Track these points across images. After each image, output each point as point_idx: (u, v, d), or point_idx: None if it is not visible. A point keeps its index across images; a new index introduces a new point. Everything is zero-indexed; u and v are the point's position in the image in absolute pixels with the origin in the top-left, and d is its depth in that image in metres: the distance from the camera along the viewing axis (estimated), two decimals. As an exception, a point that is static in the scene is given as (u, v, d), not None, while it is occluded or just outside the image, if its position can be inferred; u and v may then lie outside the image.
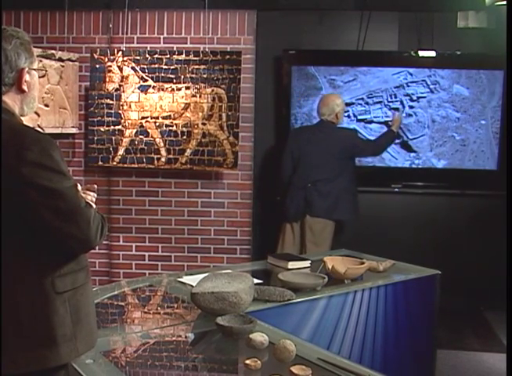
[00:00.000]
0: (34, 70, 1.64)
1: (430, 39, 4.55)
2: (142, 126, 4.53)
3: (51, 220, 1.49)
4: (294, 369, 1.68)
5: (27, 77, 1.60)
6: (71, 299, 1.56)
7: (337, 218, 4.27)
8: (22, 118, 1.63)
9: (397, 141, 4.66)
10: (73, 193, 1.52)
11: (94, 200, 1.69)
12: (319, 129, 4.31)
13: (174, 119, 4.52)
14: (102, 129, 4.53)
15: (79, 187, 1.60)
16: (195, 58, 4.47)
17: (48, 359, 1.52)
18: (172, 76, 4.48)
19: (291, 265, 2.97)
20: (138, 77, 4.49)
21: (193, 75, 4.47)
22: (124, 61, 4.48)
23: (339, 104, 4.27)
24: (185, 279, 2.74)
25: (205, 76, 4.46)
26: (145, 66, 4.48)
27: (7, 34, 1.56)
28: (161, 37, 4.64)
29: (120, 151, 4.55)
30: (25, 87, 1.60)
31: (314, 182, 4.20)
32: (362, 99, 4.66)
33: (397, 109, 4.64)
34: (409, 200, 4.78)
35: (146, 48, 4.58)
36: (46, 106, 4.21)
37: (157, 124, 4.52)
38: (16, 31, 1.59)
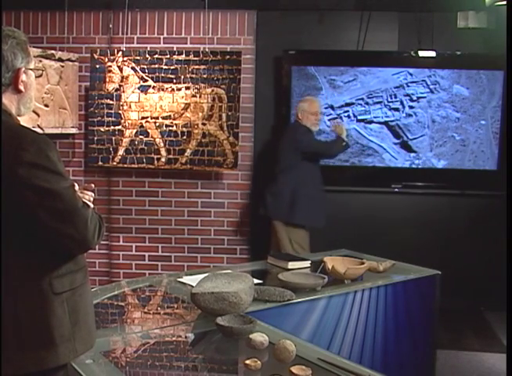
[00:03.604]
0: (31, 69, 1.63)
1: (430, 39, 4.54)
2: (142, 126, 4.53)
3: (48, 221, 1.48)
4: (294, 369, 1.68)
5: (23, 77, 1.59)
6: (69, 300, 1.56)
7: (288, 220, 4.20)
8: (20, 118, 1.62)
9: (397, 141, 4.67)
10: (71, 194, 1.52)
11: (91, 199, 1.68)
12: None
13: (174, 119, 4.52)
14: (102, 129, 4.54)
15: (76, 187, 1.59)
16: (195, 58, 4.47)
17: (46, 359, 1.52)
18: (172, 76, 4.48)
19: (291, 265, 2.97)
20: (139, 77, 4.49)
21: (193, 75, 4.47)
22: (124, 61, 4.49)
23: (302, 105, 4.28)
24: (185, 279, 2.74)
25: (205, 76, 4.46)
26: (145, 67, 4.48)
27: (3, 34, 1.55)
28: (161, 37, 4.65)
29: (120, 151, 4.55)
30: (22, 87, 1.59)
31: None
32: (362, 99, 4.65)
33: (397, 109, 4.64)
34: (409, 200, 4.78)
35: (146, 48, 4.58)
36: (46, 106, 4.21)
37: (157, 124, 4.53)
38: (13, 31, 1.59)
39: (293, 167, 4.20)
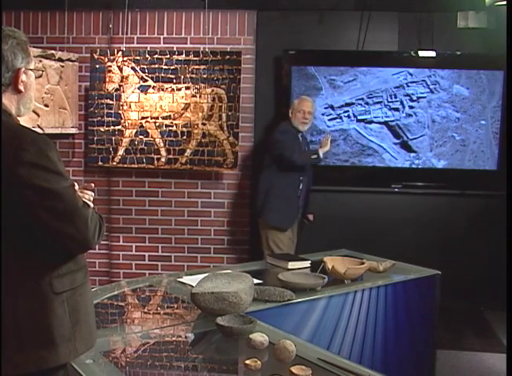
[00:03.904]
0: (31, 70, 1.63)
1: (430, 39, 4.54)
2: (142, 126, 4.53)
3: (48, 220, 1.48)
4: (294, 369, 1.68)
5: (23, 77, 1.59)
6: (70, 299, 1.56)
7: (262, 218, 4.26)
8: (20, 118, 1.62)
9: (397, 141, 4.67)
10: (71, 194, 1.52)
11: (91, 199, 1.68)
12: None
13: (174, 119, 4.52)
14: (102, 129, 4.54)
15: (76, 187, 1.59)
16: (195, 58, 4.47)
17: (46, 359, 1.52)
18: (172, 76, 4.48)
19: (291, 265, 2.97)
20: (138, 77, 4.49)
21: (193, 75, 4.47)
22: (124, 61, 4.49)
23: (293, 103, 4.28)
24: (185, 279, 2.74)
25: (205, 76, 4.46)
26: (145, 67, 4.48)
27: (4, 34, 1.55)
28: (161, 37, 4.65)
29: (120, 151, 4.55)
30: (21, 87, 1.59)
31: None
32: (362, 99, 4.65)
33: (397, 109, 4.64)
34: (409, 200, 4.78)
35: (146, 48, 4.58)
36: (46, 106, 4.21)
37: (157, 124, 4.53)
38: (13, 31, 1.59)
39: (269, 166, 4.21)
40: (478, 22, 4.43)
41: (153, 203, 4.74)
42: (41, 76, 3.99)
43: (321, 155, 4.20)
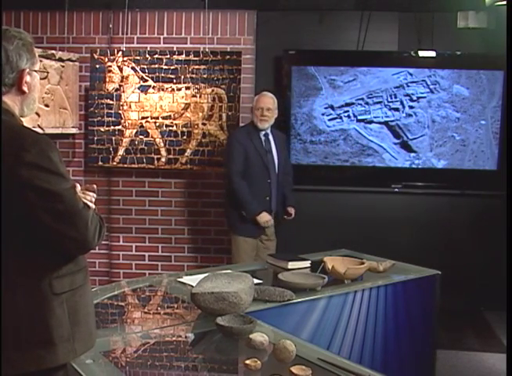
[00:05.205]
0: (36, 71, 1.64)
1: (430, 39, 4.54)
2: (142, 126, 4.53)
3: (49, 222, 1.49)
4: (294, 369, 1.68)
5: (27, 78, 1.60)
6: (69, 300, 1.56)
7: None
8: (22, 119, 1.63)
9: (397, 141, 4.67)
10: (72, 195, 1.52)
11: (93, 200, 1.68)
12: None
13: (175, 119, 4.52)
14: (102, 129, 4.54)
15: (78, 188, 1.60)
16: (195, 58, 4.47)
17: (45, 359, 1.52)
18: (172, 76, 4.48)
19: (291, 265, 2.97)
20: (139, 77, 4.49)
21: (193, 75, 4.47)
22: (124, 61, 4.49)
23: (253, 100, 4.10)
24: (185, 279, 2.74)
25: (205, 76, 4.47)
26: (145, 67, 4.48)
27: (9, 35, 1.56)
28: (161, 37, 4.65)
29: (120, 151, 4.55)
30: (25, 88, 1.60)
31: None
32: (362, 99, 4.65)
33: (397, 109, 4.64)
34: (409, 200, 4.78)
35: (146, 48, 4.58)
36: (46, 106, 4.22)
37: (157, 124, 4.53)
38: (19, 32, 1.59)
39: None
40: (478, 22, 4.43)
41: (153, 203, 4.74)
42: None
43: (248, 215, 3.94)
